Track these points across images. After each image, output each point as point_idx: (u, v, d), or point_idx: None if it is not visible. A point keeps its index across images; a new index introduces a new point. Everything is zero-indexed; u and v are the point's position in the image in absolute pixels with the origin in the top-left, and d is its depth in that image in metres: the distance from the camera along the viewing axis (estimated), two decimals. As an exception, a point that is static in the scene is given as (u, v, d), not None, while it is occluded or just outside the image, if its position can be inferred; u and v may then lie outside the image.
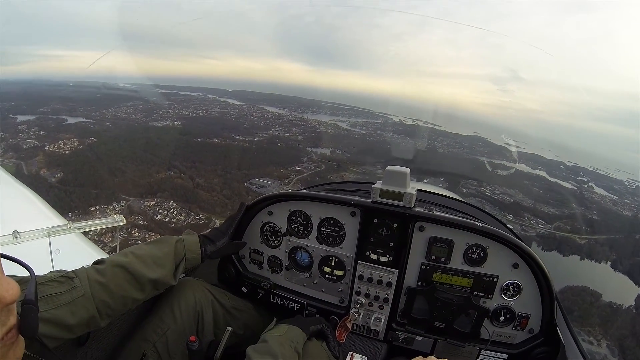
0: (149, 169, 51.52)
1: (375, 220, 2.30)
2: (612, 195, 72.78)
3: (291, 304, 2.65)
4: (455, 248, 2.25)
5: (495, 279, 2.22)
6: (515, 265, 2.19)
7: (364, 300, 2.47)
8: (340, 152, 62.55)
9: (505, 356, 2.30)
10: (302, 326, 2.03)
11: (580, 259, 50.40)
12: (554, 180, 73.38)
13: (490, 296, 2.26)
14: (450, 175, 55.45)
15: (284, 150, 61.07)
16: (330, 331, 2.26)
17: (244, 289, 2.75)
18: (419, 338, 2.41)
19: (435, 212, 2.23)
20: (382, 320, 2.48)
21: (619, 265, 49.83)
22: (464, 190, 54.86)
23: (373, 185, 2.24)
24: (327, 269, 2.54)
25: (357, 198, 2.31)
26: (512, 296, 2.25)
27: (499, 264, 2.22)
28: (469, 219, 2.37)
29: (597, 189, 73.51)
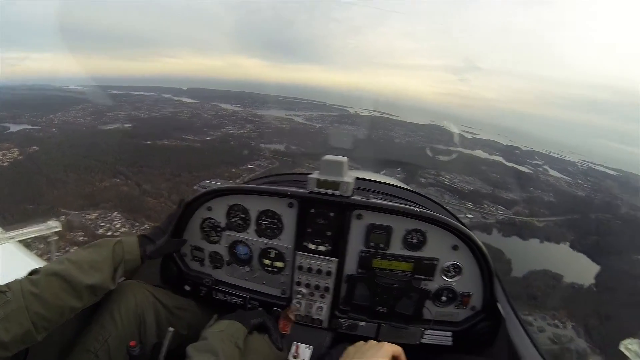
0: (92, 178, 48.79)
1: (313, 211, 2.26)
2: (566, 177, 76.37)
3: (234, 299, 2.57)
4: (394, 234, 2.23)
5: (435, 262, 2.24)
6: (455, 247, 2.21)
7: (305, 291, 2.42)
8: (295, 147, 62.26)
9: (449, 334, 2.29)
10: (243, 320, 1.97)
11: (540, 242, 51.26)
12: (510, 165, 75.25)
13: (431, 278, 2.27)
14: (407, 165, 57.34)
15: (237, 149, 59.71)
16: (272, 323, 2.17)
17: (187, 287, 2.62)
18: (363, 323, 2.37)
19: (372, 200, 2.20)
20: (324, 309, 2.42)
21: (577, 245, 51.73)
22: (423, 180, 55.46)
23: (309, 175, 2.21)
24: (267, 262, 2.49)
25: (294, 189, 2.28)
26: (453, 277, 2.26)
27: (438, 247, 2.23)
28: (408, 204, 2.32)
29: (551, 172, 77.22)
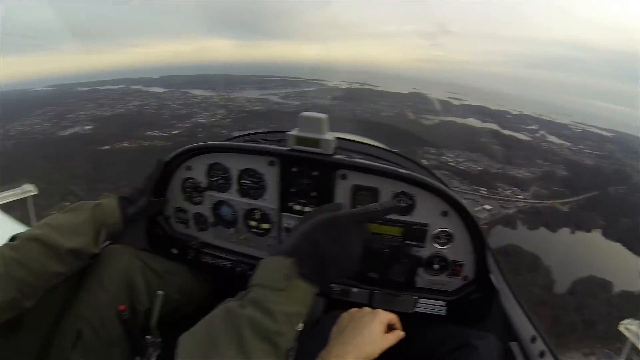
0: (35, 206, 36.07)
1: (295, 169, 2.15)
2: (566, 143, 71.38)
3: (221, 262, 2.44)
4: (380, 196, 2.13)
5: (425, 227, 2.14)
6: (445, 213, 2.12)
7: None
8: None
9: (443, 303, 2.24)
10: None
11: (571, 232, 44.66)
12: (508, 132, 70.90)
13: (422, 245, 2.18)
14: (404, 142, 50.02)
15: (206, 141, 50.41)
16: None
17: (175, 251, 2.51)
18: (355, 289, 2.28)
19: (356, 160, 2.11)
20: None
21: (610, 232, 44.83)
22: (424, 161, 47.60)
23: (288, 132, 2.09)
24: (253, 223, 2.34)
25: (274, 146, 2.18)
26: (444, 244, 2.16)
27: (427, 212, 2.13)
28: (393, 166, 2.18)
29: (550, 137, 72.39)
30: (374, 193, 2.06)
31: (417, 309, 2.19)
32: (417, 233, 2.10)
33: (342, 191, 2.09)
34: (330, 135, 2.01)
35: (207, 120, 60.77)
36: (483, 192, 44.61)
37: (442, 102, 76.08)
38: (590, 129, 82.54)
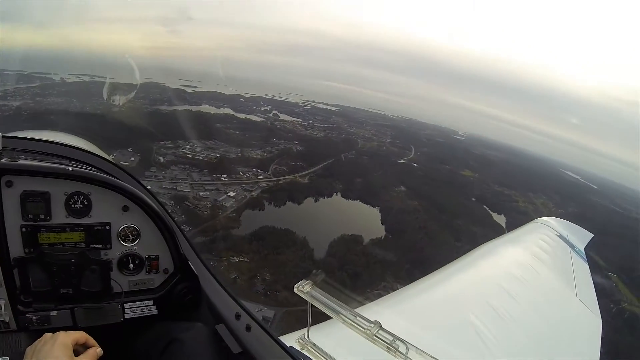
0: None
1: None
2: (297, 119, 77.19)
3: None
4: (53, 200, 2.01)
5: (108, 227, 2.10)
6: (125, 208, 2.10)
7: None
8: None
9: (151, 302, 2.21)
10: None
11: (315, 201, 47.91)
12: (242, 116, 72.10)
13: (109, 246, 2.12)
14: (138, 139, 46.12)
15: None
16: None
17: None
18: (54, 313, 2.09)
19: (21, 162, 1.95)
20: (3, 307, 2.05)
21: (348, 193, 50.27)
22: (162, 158, 46.22)
23: None
24: None
25: None
26: (133, 241, 2.15)
27: (107, 210, 2.09)
28: (67, 164, 2.13)
29: (282, 116, 77.34)
30: (45, 198, 1.90)
31: (128, 315, 2.08)
32: (101, 234, 2.01)
33: (11, 201, 1.86)
34: None
35: None
36: (225, 179, 43.75)
37: (176, 90, 74.94)
38: (318, 105, 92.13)
